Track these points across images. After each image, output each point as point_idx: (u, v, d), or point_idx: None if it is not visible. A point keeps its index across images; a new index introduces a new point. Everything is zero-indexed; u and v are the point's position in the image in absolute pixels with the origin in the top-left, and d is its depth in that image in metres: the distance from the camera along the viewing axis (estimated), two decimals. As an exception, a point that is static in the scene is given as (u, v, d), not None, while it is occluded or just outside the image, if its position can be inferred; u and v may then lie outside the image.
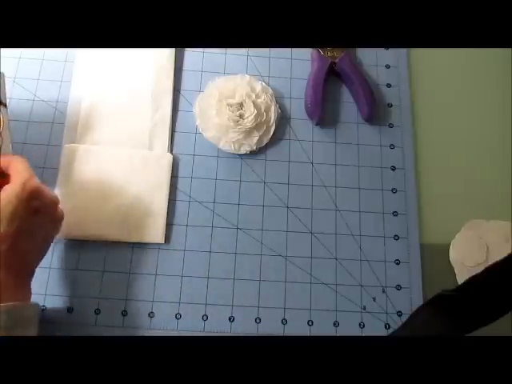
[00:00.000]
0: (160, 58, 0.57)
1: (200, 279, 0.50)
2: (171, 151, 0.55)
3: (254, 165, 0.55)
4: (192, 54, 0.59)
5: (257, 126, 0.55)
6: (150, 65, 0.57)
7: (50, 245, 0.45)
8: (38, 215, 0.41)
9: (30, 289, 0.42)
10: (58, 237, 0.49)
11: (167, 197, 0.52)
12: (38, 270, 0.49)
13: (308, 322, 0.50)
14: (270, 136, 0.56)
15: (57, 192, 0.51)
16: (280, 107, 0.57)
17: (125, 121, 0.55)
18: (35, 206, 0.40)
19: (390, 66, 0.61)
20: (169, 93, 0.56)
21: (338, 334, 0.50)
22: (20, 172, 0.40)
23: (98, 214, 0.51)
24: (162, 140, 0.54)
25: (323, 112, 0.56)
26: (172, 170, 0.53)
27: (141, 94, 0.56)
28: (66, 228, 0.49)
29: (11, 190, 0.39)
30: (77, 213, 0.50)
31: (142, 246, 0.51)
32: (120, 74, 0.56)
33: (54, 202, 0.44)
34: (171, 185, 0.53)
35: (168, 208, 0.52)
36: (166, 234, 0.51)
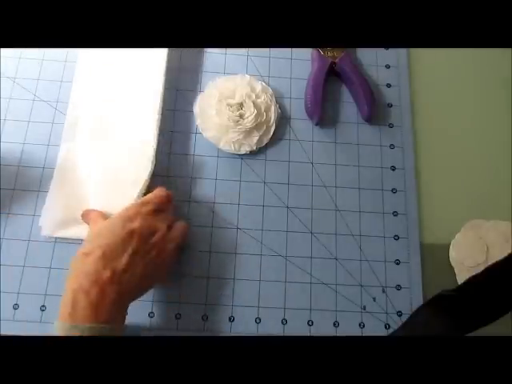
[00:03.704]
0: (158, 58, 0.57)
1: (200, 279, 0.50)
2: (171, 151, 0.55)
3: (254, 165, 0.55)
4: (192, 54, 0.59)
5: (257, 126, 0.55)
6: (150, 65, 0.57)
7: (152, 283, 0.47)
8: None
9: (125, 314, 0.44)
10: (58, 236, 0.49)
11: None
12: (38, 270, 0.49)
13: (308, 322, 0.50)
14: (269, 136, 0.56)
15: (54, 192, 0.51)
16: (280, 107, 0.57)
17: (124, 121, 0.55)
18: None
19: (390, 66, 0.61)
20: (160, 92, 0.54)
21: (338, 334, 0.50)
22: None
23: (98, 214, 0.50)
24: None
25: (323, 112, 0.56)
26: (172, 170, 0.53)
27: (141, 93, 0.55)
28: (66, 228, 0.50)
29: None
30: (76, 213, 0.50)
31: (142, 246, 0.51)
32: (120, 74, 0.56)
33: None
34: (171, 184, 0.53)
35: (168, 208, 0.52)
36: (166, 234, 0.51)
